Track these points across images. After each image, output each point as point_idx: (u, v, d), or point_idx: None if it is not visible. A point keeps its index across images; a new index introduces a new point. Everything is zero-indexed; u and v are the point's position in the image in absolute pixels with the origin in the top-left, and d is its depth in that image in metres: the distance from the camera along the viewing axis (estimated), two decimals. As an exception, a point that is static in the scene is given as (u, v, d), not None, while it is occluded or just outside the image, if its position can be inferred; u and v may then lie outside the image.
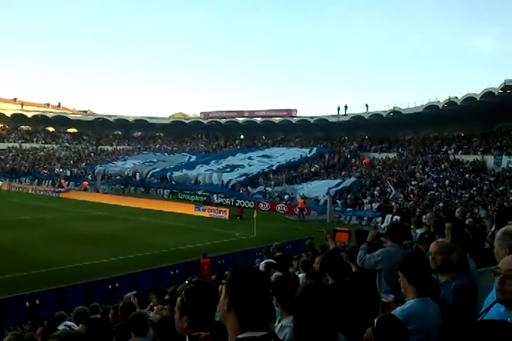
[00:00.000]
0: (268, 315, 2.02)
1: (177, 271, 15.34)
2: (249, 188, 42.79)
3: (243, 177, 45.39)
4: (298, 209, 33.61)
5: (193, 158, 56.38)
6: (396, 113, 47.26)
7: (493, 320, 1.87)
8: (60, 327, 7.07)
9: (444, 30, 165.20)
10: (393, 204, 31.57)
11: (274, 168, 47.97)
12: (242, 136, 64.27)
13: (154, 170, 51.31)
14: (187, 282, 9.72)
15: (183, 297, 2.39)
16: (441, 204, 29.33)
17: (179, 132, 65.82)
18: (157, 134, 70.29)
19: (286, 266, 8.43)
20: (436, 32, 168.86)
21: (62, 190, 45.15)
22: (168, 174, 49.43)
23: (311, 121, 55.69)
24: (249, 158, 52.38)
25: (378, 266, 5.03)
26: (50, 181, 50.40)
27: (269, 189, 41.71)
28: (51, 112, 74.86)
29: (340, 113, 54.29)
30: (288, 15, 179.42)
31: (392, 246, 5.19)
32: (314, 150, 51.68)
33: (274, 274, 5.59)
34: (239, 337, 1.88)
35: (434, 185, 34.30)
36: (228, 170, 48.61)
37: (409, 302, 3.31)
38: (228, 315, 1.96)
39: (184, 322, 2.34)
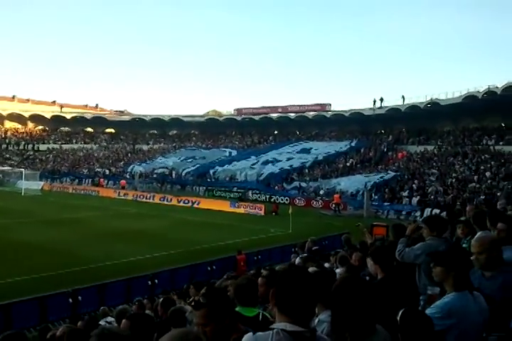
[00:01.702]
0: (310, 311, 2.13)
1: (214, 267, 15.43)
2: (284, 184, 42.70)
3: (285, 170, 45.83)
4: (334, 205, 33.31)
5: (234, 152, 56.89)
6: (434, 104, 46.23)
7: None
8: (101, 323, 7.21)
9: (480, 19, 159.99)
10: (432, 197, 30.90)
11: (316, 160, 47.95)
12: (275, 132, 64.18)
13: (190, 168, 51.90)
14: (225, 277, 9.78)
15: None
16: (482, 196, 28.52)
17: (213, 130, 66.32)
18: (192, 132, 71.04)
19: (322, 260, 8.33)
20: (473, 21, 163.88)
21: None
22: (212, 171, 49.80)
23: (346, 114, 55.09)
24: (289, 152, 52.34)
25: (418, 260, 4.90)
26: (90, 180, 51.71)
27: (304, 184, 41.51)
28: (89, 113, 76.83)
29: (375, 106, 53.48)
30: (321, 9, 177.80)
31: (433, 239, 5.04)
32: (354, 142, 51.24)
33: (310, 269, 5.52)
34: (273, 325, 2.03)
35: (475, 178, 33.34)
36: (269, 164, 48.83)
37: (448, 296, 3.20)
38: (274, 310, 2.14)
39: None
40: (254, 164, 49.70)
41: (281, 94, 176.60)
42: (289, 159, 49.53)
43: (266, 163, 49.49)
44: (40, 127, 75.27)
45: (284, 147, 54.81)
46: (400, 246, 5.14)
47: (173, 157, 58.73)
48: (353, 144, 50.85)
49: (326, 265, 8.33)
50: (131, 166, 56.17)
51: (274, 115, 62.59)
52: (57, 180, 53.68)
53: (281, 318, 2.05)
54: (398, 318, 2.71)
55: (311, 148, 52.02)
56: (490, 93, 40.06)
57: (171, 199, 38.18)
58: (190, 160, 56.12)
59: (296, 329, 1.98)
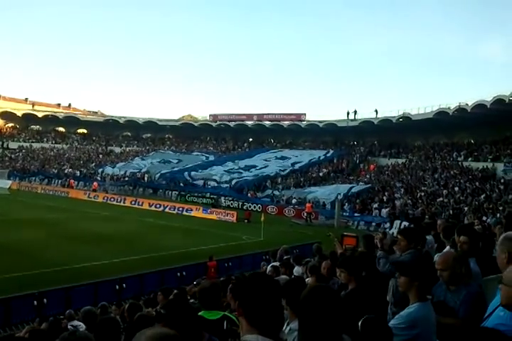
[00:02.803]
0: (279, 321, 2.11)
1: (184, 273, 15.36)
2: (257, 192, 42.79)
3: (261, 177, 46.22)
4: (306, 214, 33.56)
5: (211, 157, 56.81)
6: (406, 118, 47.16)
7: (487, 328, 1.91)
8: (69, 327, 7.12)
9: (455, 37, 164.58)
10: (400, 210, 31.47)
11: (293, 168, 48.35)
12: (250, 139, 64.36)
13: (165, 171, 51.55)
14: (195, 283, 9.77)
15: None
16: (450, 211, 29.18)
17: (188, 134, 66.06)
18: (166, 136, 70.54)
19: (292, 270, 8.43)
20: (447, 38, 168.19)
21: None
22: (187, 173, 49.55)
23: (320, 125, 55.69)
24: (266, 159, 52.65)
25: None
26: (60, 181, 50.76)
27: (276, 193, 41.70)
28: (62, 113, 75.51)
29: (349, 118, 54.29)
30: (298, 21, 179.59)
31: (410, 253, 5.15)
32: (331, 152, 51.88)
33: (282, 277, 5.61)
34: (243, 337, 1.96)
35: (444, 192, 34.09)
36: (245, 170, 48.97)
37: (412, 306, 3.29)
38: (241, 320, 2.06)
39: None
40: (231, 169, 49.76)
41: (258, 102, 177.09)
42: (266, 166, 49.82)
43: (244, 168, 49.61)
44: (11, 124, 73.57)
45: (261, 154, 55.06)
46: (383, 261, 5.24)
47: (149, 159, 58.33)
48: (328, 155, 51.48)
49: (298, 270, 8.42)
50: (102, 168, 55.45)
51: (250, 122, 62.77)
52: (26, 179, 52.55)
53: (250, 330, 1.99)
54: (359, 326, 2.79)
55: (289, 157, 52.40)
56: (460, 110, 41.10)
57: (142, 203, 37.83)
58: (166, 163, 55.78)
59: None
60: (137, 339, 1.60)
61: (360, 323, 2.80)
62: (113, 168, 55.10)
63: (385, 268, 5.12)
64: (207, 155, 57.79)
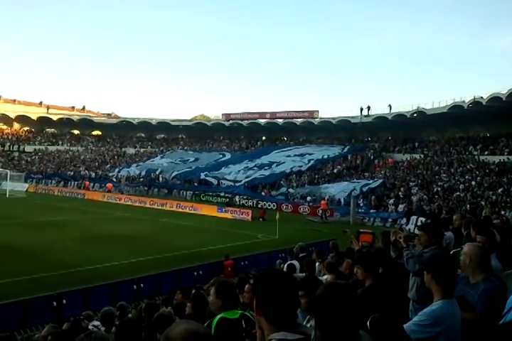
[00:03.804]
0: (295, 318, 2.09)
1: (200, 272, 15.37)
2: (271, 190, 42.75)
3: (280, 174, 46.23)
4: (321, 211, 33.44)
5: (227, 155, 56.88)
6: (420, 113, 46.76)
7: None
8: (89, 327, 7.16)
9: (466, 30, 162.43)
10: (416, 205, 31.16)
11: (309, 165, 48.21)
12: (263, 138, 64.34)
13: (182, 170, 51.74)
14: (212, 282, 9.76)
15: None
16: (467, 205, 28.84)
17: (201, 134, 66.27)
18: (179, 136, 70.88)
19: (310, 268, 8.35)
20: (459, 31, 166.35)
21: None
22: (204, 173, 49.60)
23: (333, 122, 55.48)
24: (284, 156, 52.52)
25: None
26: (76, 183, 51.29)
27: (291, 190, 41.60)
28: (76, 115, 76.32)
29: (363, 114, 53.97)
30: (309, 18, 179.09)
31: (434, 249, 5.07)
32: (347, 147, 51.73)
33: (299, 275, 5.57)
34: (271, 337, 1.90)
35: (460, 187, 33.72)
36: (261, 168, 49.02)
37: (436, 303, 3.24)
38: (259, 320, 2.05)
39: None
40: (246, 167, 49.79)
41: (270, 100, 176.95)
42: (283, 162, 49.81)
43: (261, 166, 49.60)
44: (26, 128, 74.50)
45: (278, 151, 55.00)
46: (411, 261, 5.14)
47: (165, 158, 58.65)
48: (345, 150, 51.34)
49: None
50: (117, 169, 55.90)
51: (262, 121, 62.78)
52: (43, 181, 53.15)
53: (272, 328, 1.98)
54: (368, 324, 2.74)
55: (306, 153, 52.28)
56: (475, 103, 40.62)
57: (157, 203, 38.04)
58: (183, 162, 56.07)
59: (296, 337, 1.94)
60: (166, 337, 1.54)
61: (368, 321, 2.75)
62: (129, 168, 55.53)
63: (415, 268, 5.02)
64: (224, 153, 57.94)
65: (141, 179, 51.39)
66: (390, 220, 30.83)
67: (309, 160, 49.38)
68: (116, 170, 55.79)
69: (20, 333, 10.59)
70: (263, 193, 42.21)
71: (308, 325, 3.15)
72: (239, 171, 48.72)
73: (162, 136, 72.53)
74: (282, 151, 54.53)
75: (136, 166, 56.13)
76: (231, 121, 64.59)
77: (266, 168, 48.89)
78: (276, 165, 49.19)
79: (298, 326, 2.06)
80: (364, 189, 37.45)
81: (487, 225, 5.94)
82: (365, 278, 4.49)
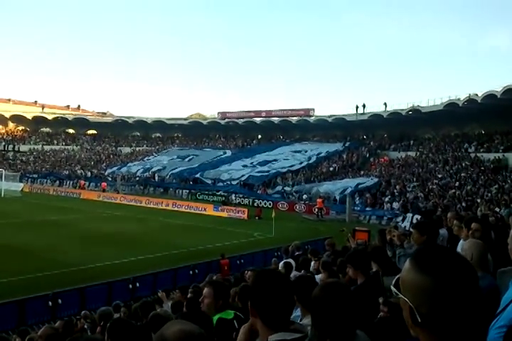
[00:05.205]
0: (289, 316, 2.06)
1: (196, 271, 15.38)
2: (267, 188, 42.75)
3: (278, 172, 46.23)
4: (317, 209, 33.47)
5: (228, 152, 56.88)
6: (415, 111, 46.86)
7: None
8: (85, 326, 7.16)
9: (462, 27, 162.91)
10: (412, 203, 31.24)
11: (310, 161, 48.27)
12: (259, 136, 64.32)
13: (183, 168, 51.63)
14: (207, 280, 9.77)
15: None
16: (462, 203, 28.92)
17: (197, 132, 66.16)
18: (175, 135, 70.74)
19: (306, 266, 8.35)
20: (454, 29, 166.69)
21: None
22: (200, 173, 49.40)
23: (329, 120, 55.51)
24: (282, 153, 52.62)
25: None
26: (71, 182, 51.13)
27: (287, 188, 41.62)
28: (71, 114, 76.06)
29: (358, 112, 54.04)
30: (305, 15, 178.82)
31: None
32: (347, 144, 51.91)
33: (294, 273, 5.57)
34: (269, 339, 1.91)
35: (456, 184, 33.80)
36: (262, 165, 49.03)
37: None
38: (255, 321, 2.02)
39: None
40: (245, 165, 49.79)
41: (266, 99, 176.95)
42: (283, 159, 49.85)
43: (261, 163, 49.59)
44: (21, 128, 74.20)
45: (279, 148, 55.02)
46: (402, 260, 5.15)
47: (161, 157, 58.55)
48: (346, 145, 51.62)
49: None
50: (113, 168, 55.74)
51: (258, 119, 62.75)
52: (38, 181, 52.95)
53: (268, 330, 1.95)
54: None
55: (304, 150, 52.36)
56: (470, 101, 40.71)
57: (153, 202, 37.98)
58: (183, 159, 56.01)
59: (294, 337, 1.93)
60: (160, 336, 1.51)
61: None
62: (125, 167, 55.35)
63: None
64: (224, 150, 57.93)
65: (137, 178, 51.25)
66: (385, 218, 30.88)
67: (309, 157, 49.38)
68: (113, 169, 55.59)
69: (15, 332, 10.55)
70: (259, 191, 42.21)
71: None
72: (237, 169, 48.47)
73: (158, 134, 72.36)
74: (281, 148, 54.47)
75: (132, 165, 55.93)
76: (227, 120, 64.51)
77: (268, 164, 48.89)
78: (277, 163, 49.15)
79: (292, 324, 2.04)
80: (360, 187, 37.48)
81: (484, 218, 5.96)
82: (355, 277, 4.48)
